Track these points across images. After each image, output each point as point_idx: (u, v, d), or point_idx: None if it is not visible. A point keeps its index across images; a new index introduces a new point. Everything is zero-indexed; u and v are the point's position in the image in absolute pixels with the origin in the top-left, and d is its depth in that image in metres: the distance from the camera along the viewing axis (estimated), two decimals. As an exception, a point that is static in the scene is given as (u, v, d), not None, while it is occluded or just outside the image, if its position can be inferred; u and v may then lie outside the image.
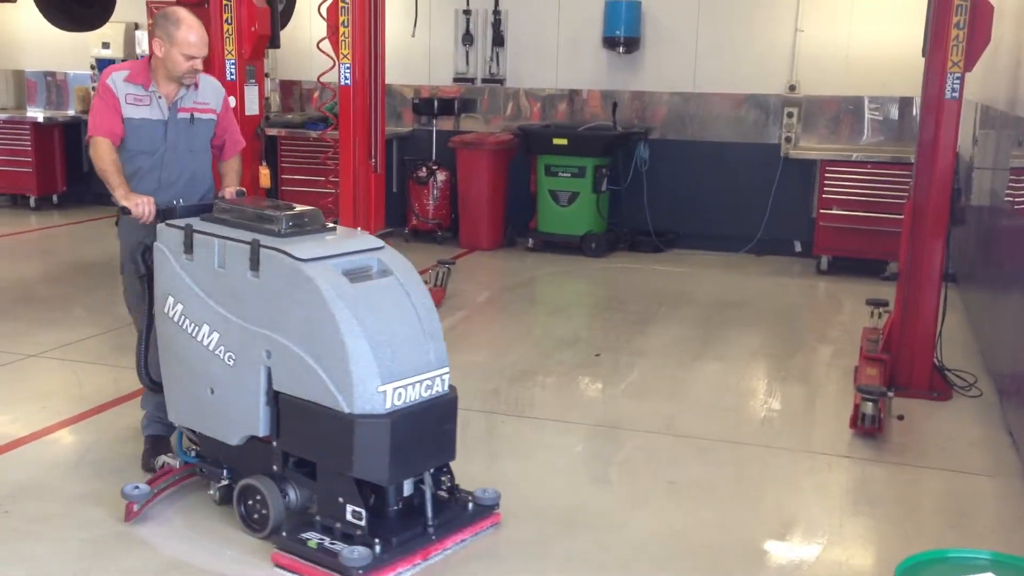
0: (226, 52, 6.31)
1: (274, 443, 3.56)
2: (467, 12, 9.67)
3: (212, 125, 4.29)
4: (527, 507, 3.93)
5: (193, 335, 3.66)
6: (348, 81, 6.19)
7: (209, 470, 3.88)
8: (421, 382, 3.43)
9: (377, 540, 3.36)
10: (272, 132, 9.35)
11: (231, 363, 3.57)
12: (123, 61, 3.79)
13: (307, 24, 9.53)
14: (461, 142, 9.28)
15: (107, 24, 9.83)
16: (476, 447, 4.82)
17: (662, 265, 8.75)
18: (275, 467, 3.59)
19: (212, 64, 6.43)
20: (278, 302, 3.42)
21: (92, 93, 10.62)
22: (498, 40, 9.67)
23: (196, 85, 4.18)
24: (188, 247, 3.67)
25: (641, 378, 5.78)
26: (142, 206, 3.90)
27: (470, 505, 3.72)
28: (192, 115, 4.19)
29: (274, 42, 6.65)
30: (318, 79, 6.41)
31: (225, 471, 3.80)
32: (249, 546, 3.62)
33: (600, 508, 4.01)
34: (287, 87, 10.58)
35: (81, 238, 9.83)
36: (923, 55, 5.61)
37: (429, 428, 3.48)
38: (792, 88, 8.94)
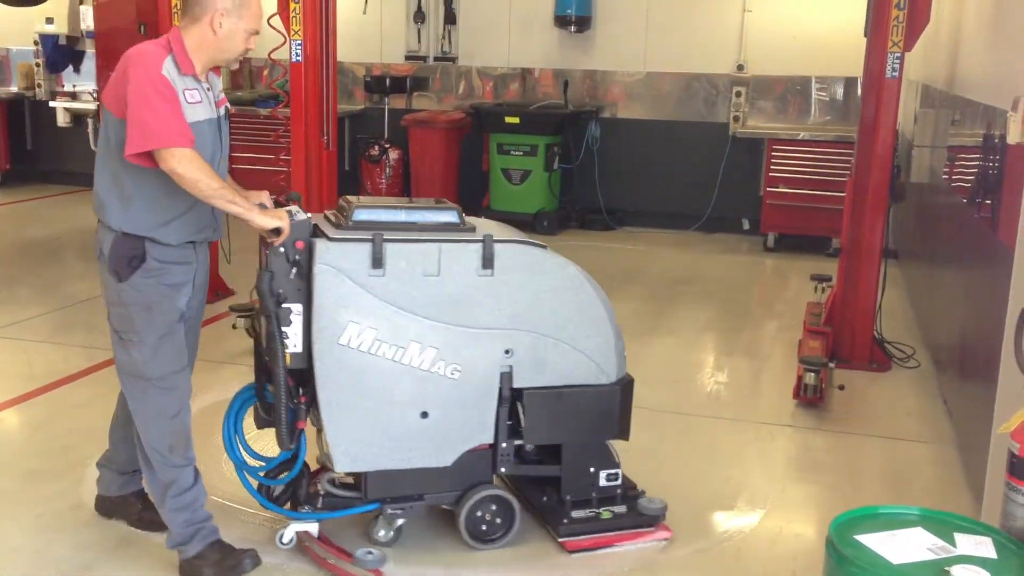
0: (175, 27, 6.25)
1: (502, 444, 3.43)
2: (419, -10, 9.67)
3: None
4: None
5: (396, 360, 3.23)
6: (299, 58, 6.16)
7: (397, 506, 3.42)
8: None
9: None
10: (222, 109, 9.26)
11: (455, 376, 3.30)
12: (147, 40, 3.18)
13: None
14: (413, 120, 9.29)
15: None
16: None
17: (613, 243, 8.86)
18: (502, 468, 3.47)
19: (160, 40, 6.38)
20: (520, 296, 3.33)
21: (37, 70, 10.46)
22: (450, 18, 9.67)
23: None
24: (377, 261, 3.18)
25: (592, 352, 5.87)
26: (287, 222, 3.13)
27: None
28: (226, 108, 3.40)
29: (224, 18, 6.59)
30: (269, 56, 6.35)
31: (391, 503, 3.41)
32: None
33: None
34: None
35: (25, 217, 9.69)
36: (865, 35, 5.74)
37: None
38: (740, 68, 9.07)
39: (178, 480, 3.23)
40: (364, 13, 9.54)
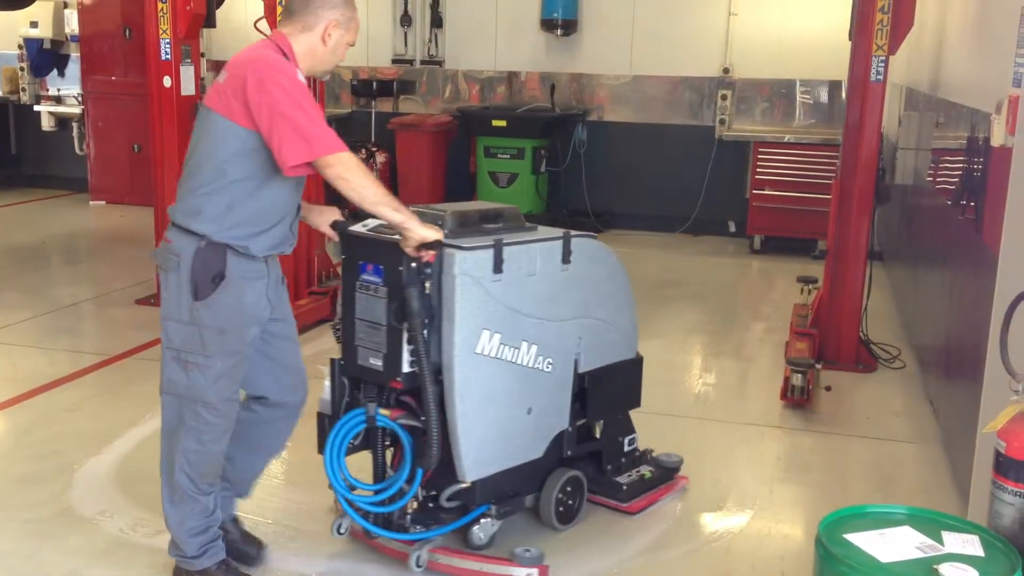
0: (161, 31, 6.24)
1: (568, 429, 3.57)
2: (405, -7, 9.68)
3: None
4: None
5: (513, 360, 3.30)
6: (286, 61, 6.15)
7: (502, 507, 3.45)
8: None
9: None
10: (208, 113, 9.25)
11: (550, 369, 3.42)
12: (259, 45, 3.02)
13: (242, 4, 9.44)
14: (400, 124, 9.29)
15: (36, 3, 9.62)
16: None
17: (600, 245, 8.87)
18: (568, 451, 3.60)
19: (147, 43, 6.37)
20: (586, 285, 3.55)
21: (21, 74, 10.41)
22: (437, 21, 9.69)
23: None
24: (498, 265, 3.21)
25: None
26: (442, 234, 3.07)
27: None
28: None
29: (209, 21, 6.59)
30: (255, 59, 6.37)
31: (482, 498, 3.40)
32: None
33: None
34: (219, 68, 10.38)
35: (10, 222, 9.63)
36: (850, 39, 5.78)
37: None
38: (726, 71, 9.12)
39: (201, 504, 3.13)
40: (350, 17, 9.53)
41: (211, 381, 3.00)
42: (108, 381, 5.19)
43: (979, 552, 2.27)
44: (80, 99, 10.41)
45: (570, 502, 3.64)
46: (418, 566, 3.25)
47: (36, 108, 10.60)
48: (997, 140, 3.48)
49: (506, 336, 3.25)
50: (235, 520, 3.42)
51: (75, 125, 10.55)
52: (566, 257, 3.44)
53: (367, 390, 3.30)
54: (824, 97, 9.00)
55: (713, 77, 9.16)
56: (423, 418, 3.14)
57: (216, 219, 2.92)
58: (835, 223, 5.67)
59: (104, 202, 10.26)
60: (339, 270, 3.41)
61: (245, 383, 3.17)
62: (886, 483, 4.19)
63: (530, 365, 3.35)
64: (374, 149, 9.41)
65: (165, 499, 3.15)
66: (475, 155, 9.18)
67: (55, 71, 10.61)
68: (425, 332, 3.07)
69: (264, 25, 6.13)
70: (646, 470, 3.95)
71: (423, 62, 9.84)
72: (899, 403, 5.13)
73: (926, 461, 4.40)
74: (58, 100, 10.63)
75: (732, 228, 9.24)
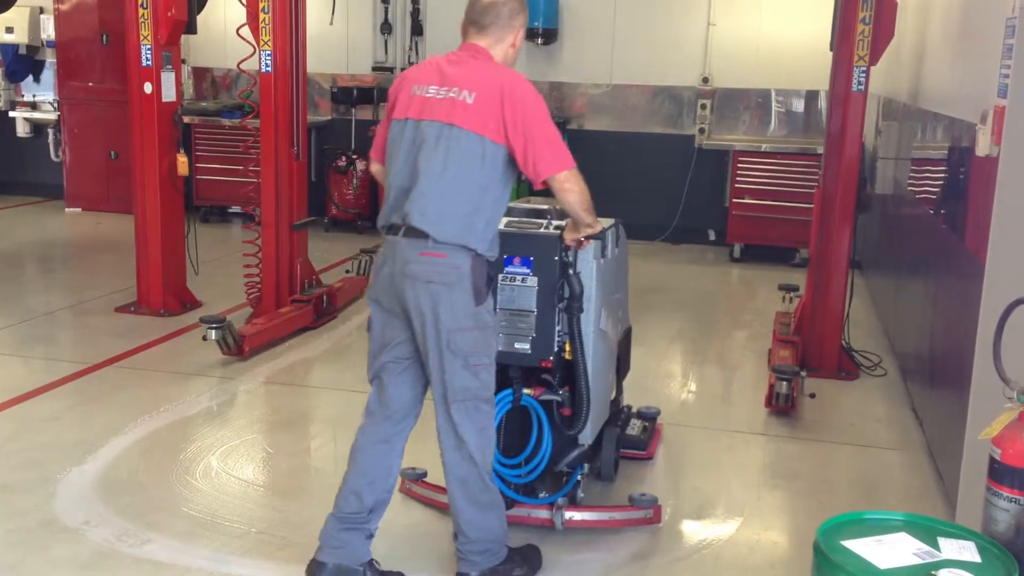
0: (142, 37, 6.20)
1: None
2: (386, 1, 9.65)
3: None
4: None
5: (606, 330, 3.77)
6: (269, 68, 6.13)
7: (592, 464, 3.96)
8: None
9: None
10: (186, 120, 9.17)
11: (614, 338, 3.96)
12: (484, 61, 3.23)
13: (221, 10, 9.40)
14: (381, 131, 9.25)
15: (11, 8, 9.49)
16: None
17: (581, 253, 8.87)
18: (610, 412, 4.06)
19: (127, 48, 6.32)
20: (620, 264, 4.07)
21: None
22: (417, 29, 9.67)
23: None
24: (603, 250, 3.67)
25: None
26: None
27: None
28: None
29: (190, 27, 6.55)
30: (238, 66, 6.32)
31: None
32: (175, 532, 3.62)
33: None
34: (200, 74, 10.39)
35: (-15, 228, 9.51)
36: (831, 49, 5.83)
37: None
38: (705, 80, 9.17)
39: (498, 497, 3.25)
40: (331, 24, 9.51)
41: (492, 378, 3.19)
42: (89, 390, 5.12)
43: (976, 558, 2.29)
44: (56, 105, 10.30)
45: (617, 456, 4.13)
46: (561, 525, 3.61)
47: (11, 114, 10.48)
48: (982, 150, 3.52)
49: (607, 311, 3.77)
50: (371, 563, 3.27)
51: (51, 131, 10.45)
52: (617, 241, 3.93)
53: (511, 372, 3.56)
54: (803, 106, 9.07)
55: (692, 86, 9.21)
56: (560, 392, 3.57)
57: (482, 233, 3.09)
58: (817, 232, 5.71)
59: (80, 209, 10.16)
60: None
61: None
62: (873, 490, 4.21)
63: (611, 336, 3.88)
64: (354, 157, 9.38)
65: (470, 511, 3.17)
66: (456, 163, 9.15)
67: (30, 77, 10.50)
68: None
69: (247, 32, 6.11)
70: (638, 423, 4.52)
71: (403, 70, 9.81)
72: (882, 410, 5.16)
73: (911, 468, 4.43)
74: (33, 106, 10.52)
75: (712, 236, 9.28)
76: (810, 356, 5.65)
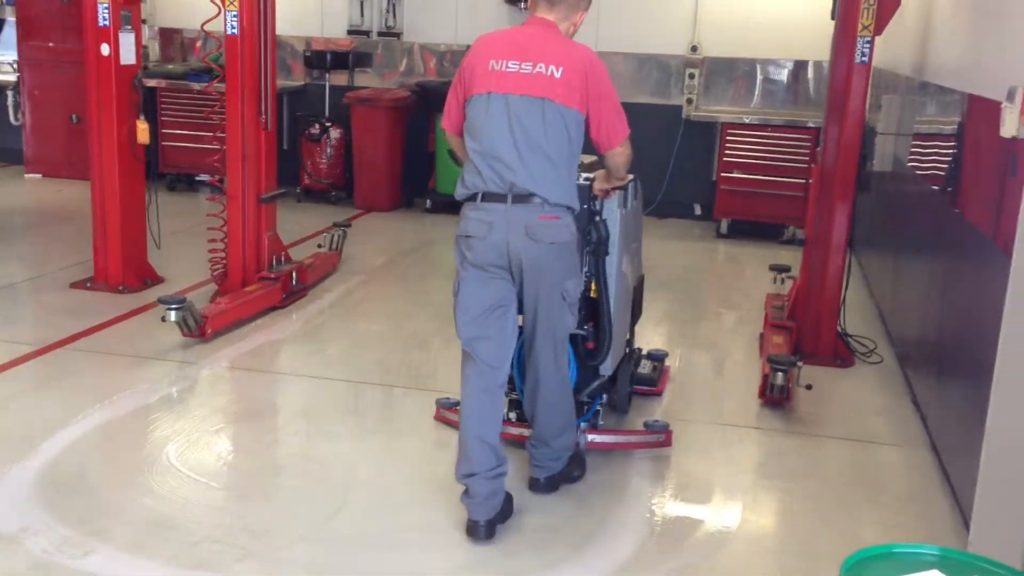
0: (98, -5, 5.78)
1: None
2: (361, -39, 9.23)
3: None
4: (433, 484, 3.71)
5: (625, 273, 4.13)
6: (235, 30, 5.74)
7: (610, 395, 4.43)
8: None
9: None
10: (151, 83, 8.75)
11: (632, 282, 4.32)
12: (560, 33, 3.49)
13: (188, -32, 8.94)
14: (356, 98, 8.87)
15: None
16: (376, 425, 4.58)
17: (563, 228, 8.56)
18: (627, 349, 4.45)
19: (84, 8, 5.90)
20: (638, 215, 4.39)
21: None
22: (394, -8, 9.26)
23: None
24: (625, 200, 4.03)
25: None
26: None
27: None
28: None
29: (152, -15, 6.14)
30: (202, 27, 5.91)
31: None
32: (122, 541, 3.30)
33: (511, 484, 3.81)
34: (167, 35, 9.94)
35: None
36: (832, 19, 5.51)
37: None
38: (694, 49, 8.83)
39: (574, 416, 3.79)
40: (304, -16, 9.09)
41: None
42: (37, 376, 4.79)
43: (1018, 600, 2.02)
44: (15, 66, 9.83)
45: (631, 391, 4.54)
46: (584, 446, 4.00)
47: (-32, 75, 10.01)
48: (1008, 131, 3.22)
49: (627, 256, 4.14)
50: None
51: (10, 93, 9.97)
52: (636, 194, 4.26)
53: None
54: (794, 77, 8.75)
55: (681, 55, 8.87)
56: (585, 327, 3.93)
57: (575, 194, 3.51)
58: (814, 210, 5.42)
59: (40, 175, 9.72)
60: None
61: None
62: (876, 491, 3.95)
63: (630, 280, 4.23)
64: (328, 124, 8.99)
65: (558, 425, 3.65)
66: (434, 132, 8.79)
67: (-12, 36, 10.01)
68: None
69: (213, -8, 5.71)
70: (648, 363, 4.91)
71: (380, 34, 9.42)
72: (880, 401, 4.91)
73: (915, 466, 4.18)
74: (-9, 67, 10.04)
75: (698, 211, 8.99)
76: (805, 342, 5.38)
